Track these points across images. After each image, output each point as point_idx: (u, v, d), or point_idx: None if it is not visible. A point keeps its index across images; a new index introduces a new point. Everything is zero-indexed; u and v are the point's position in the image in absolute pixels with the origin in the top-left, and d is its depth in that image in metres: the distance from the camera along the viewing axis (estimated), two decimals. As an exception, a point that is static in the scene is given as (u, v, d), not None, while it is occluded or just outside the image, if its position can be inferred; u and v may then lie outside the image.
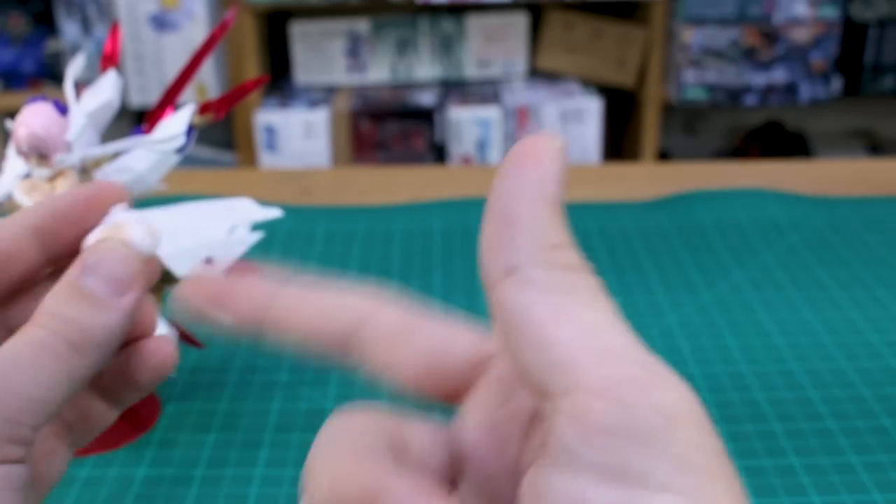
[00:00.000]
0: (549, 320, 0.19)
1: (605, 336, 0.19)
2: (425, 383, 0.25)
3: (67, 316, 0.25)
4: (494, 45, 1.69)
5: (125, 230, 0.28)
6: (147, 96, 1.62)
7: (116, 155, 0.40)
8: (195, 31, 1.59)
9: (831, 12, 1.63)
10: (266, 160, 1.61)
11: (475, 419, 0.23)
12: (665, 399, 0.18)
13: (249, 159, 1.66)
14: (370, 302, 0.26)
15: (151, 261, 0.28)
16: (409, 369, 0.25)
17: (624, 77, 1.69)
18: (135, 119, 1.74)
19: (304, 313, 0.26)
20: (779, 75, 1.66)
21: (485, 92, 1.67)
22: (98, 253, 0.27)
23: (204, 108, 0.41)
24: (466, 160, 1.62)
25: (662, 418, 0.18)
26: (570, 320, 0.19)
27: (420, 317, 0.25)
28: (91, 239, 0.28)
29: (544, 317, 0.19)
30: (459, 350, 0.24)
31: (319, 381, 0.46)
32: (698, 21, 1.63)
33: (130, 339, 0.28)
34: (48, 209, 0.28)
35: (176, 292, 0.26)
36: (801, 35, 1.64)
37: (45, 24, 1.71)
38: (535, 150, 0.22)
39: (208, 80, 1.61)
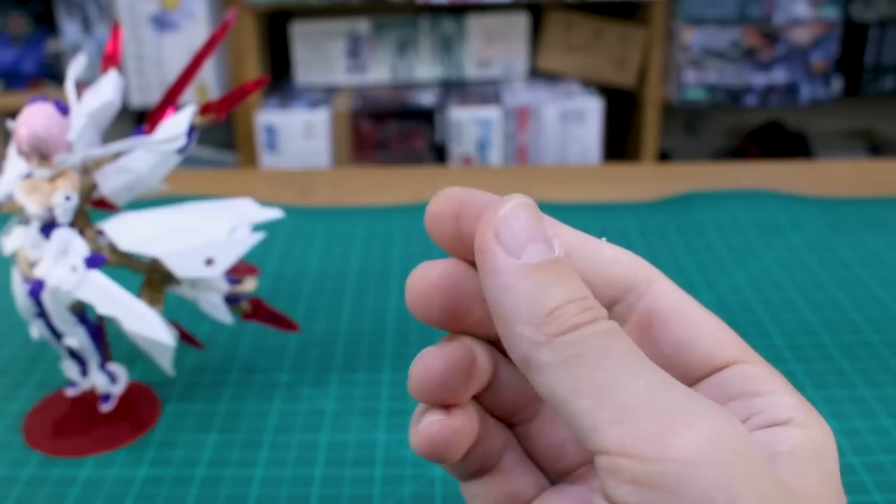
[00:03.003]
0: (570, 396, 0.21)
1: (620, 392, 0.21)
2: None
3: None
4: (495, 45, 1.69)
5: None
6: (148, 96, 1.62)
7: (117, 155, 0.40)
8: (196, 31, 1.59)
9: (832, 13, 1.63)
10: (266, 160, 1.61)
11: None
12: (680, 447, 0.20)
13: (250, 160, 1.66)
14: (648, 270, 0.25)
15: None
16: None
17: (624, 77, 1.69)
18: (135, 119, 1.74)
19: (582, 257, 0.25)
20: (779, 75, 1.66)
21: (485, 92, 1.67)
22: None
23: (205, 109, 0.41)
24: (467, 160, 1.62)
25: (679, 465, 0.20)
26: (586, 389, 0.21)
27: (688, 306, 0.25)
28: None
29: (565, 394, 0.21)
30: (698, 353, 0.25)
31: (319, 381, 0.46)
32: (698, 21, 1.63)
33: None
34: None
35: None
36: (801, 35, 1.64)
37: (46, 24, 1.71)
38: (486, 234, 0.23)
39: (209, 80, 1.61)
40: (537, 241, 0.22)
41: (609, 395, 0.21)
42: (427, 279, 0.24)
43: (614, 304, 0.25)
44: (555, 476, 0.27)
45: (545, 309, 0.21)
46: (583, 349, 0.21)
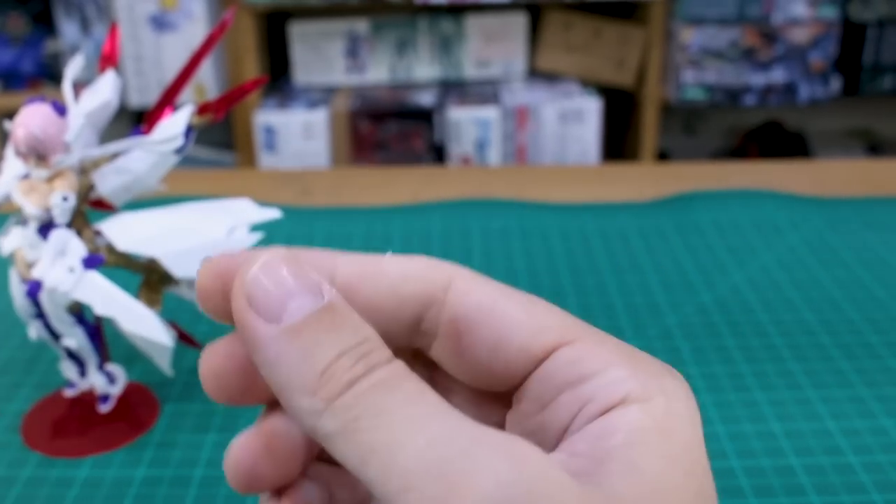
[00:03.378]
0: (360, 465, 0.19)
1: (402, 455, 0.19)
2: (479, 382, 0.23)
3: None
4: (494, 45, 1.69)
5: None
6: (146, 97, 1.62)
7: (115, 156, 0.40)
8: (194, 31, 1.59)
9: (830, 12, 1.63)
10: (265, 160, 1.61)
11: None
12: None
13: (249, 160, 1.66)
14: (442, 274, 0.23)
15: None
16: (467, 366, 0.23)
17: (623, 77, 1.69)
18: (134, 119, 1.74)
19: (365, 285, 0.23)
20: (778, 75, 1.66)
21: (484, 92, 1.67)
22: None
23: (203, 109, 0.41)
24: (466, 160, 1.62)
25: None
26: (370, 456, 0.19)
27: (493, 300, 0.23)
28: None
29: (356, 464, 0.19)
30: (513, 350, 0.22)
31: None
32: (697, 21, 1.63)
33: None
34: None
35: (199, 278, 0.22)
36: (800, 35, 1.64)
37: (45, 24, 1.70)
38: (239, 305, 0.20)
39: (207, 80, 1.61)
40: (298, 294, 0.20)
41: (392, 459, 0.19)
42: (213, 362, 0.22)
43: (418, 323, 0.23)
44: None
45: (316, 372, 0.20)
46: (359, 410, 0.19)
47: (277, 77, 1.74)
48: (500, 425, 0.24)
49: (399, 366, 0.20)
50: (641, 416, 0.21)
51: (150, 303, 0.41)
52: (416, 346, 0.24)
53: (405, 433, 0.19)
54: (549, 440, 0.22)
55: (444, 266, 0.23)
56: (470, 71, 1.70)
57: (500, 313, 0.22)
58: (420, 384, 0.20)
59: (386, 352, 0.20)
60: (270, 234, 0.61)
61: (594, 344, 0.22)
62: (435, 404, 0.20)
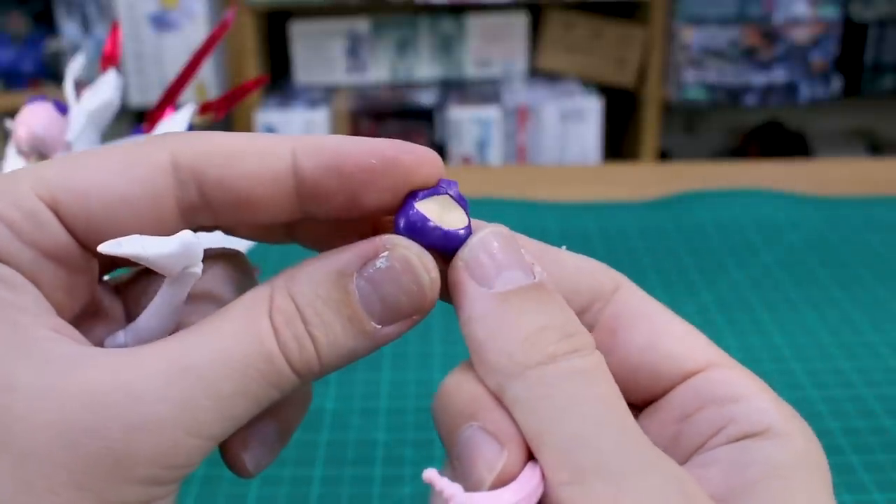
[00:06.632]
0: (536, 440, 0.20)
1: (581, 451, 0.19)
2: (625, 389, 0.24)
3: (314, 328, 0.21)
4: (494, 45, 1.69)
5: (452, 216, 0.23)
6: (147, 96, 1.62)
7: (116, 155, 0.40)
8: (195, 30, 1.59)
9: (831, 12, 1.63)
10: (266, 160, 1.61)
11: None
12: None
13: (249, 159, 1.66)
14: (612, 276, 0.24)
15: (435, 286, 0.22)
16: (613, 368, 0.23)
17: (624, 77, 1.69)
18: (135, 119, 1.74)
19: (550, 268, 0.23)
20: (779, 75, 1.66)
21: (485, 92, 1.67)
22: (396, 258, 0.21)
23: (204, 108, 0.41)
24: (466, 160, 1.62)
25: None
26: (548, 437, 0.20)
27: (654, 309, 0.24)
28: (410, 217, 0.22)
29: (529, 434, 0.20)
30: (664, 357, 0.23)
31: (319, 381, 0.46)
32: (698, 21, 1.63)
33: None
34: (330, 161, 0.22)
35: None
36: (801, 35, 1.64)
37: (45, 23, 1.71)
38: (457, 267, 0.22)
39: (208, 79, 1.61)
40: (512, 267, 0.21)
41: (569, 451, 0.19)
42: None
43: (582, 315, 0.24)
44: None
45: (518, 336, 0.20)
46: (552, 390, 0.20)
47: (278, 77, 1.74)
48: None
49: (600, 358, 0.21)
50: (782, 452, 0.21)
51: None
52: None
53: (591, 430, 0.19)
54: (681, 453, 0.23)
55: (616, 273, 0.25)
56: (470, 70, 1.70)
57: (661, 322, 0.24)
58: (613, 386, 0.21)
59: (590, 338, 0.21)
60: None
61: (745, 373, 0.23)
62: (623, 409, 0.20)
